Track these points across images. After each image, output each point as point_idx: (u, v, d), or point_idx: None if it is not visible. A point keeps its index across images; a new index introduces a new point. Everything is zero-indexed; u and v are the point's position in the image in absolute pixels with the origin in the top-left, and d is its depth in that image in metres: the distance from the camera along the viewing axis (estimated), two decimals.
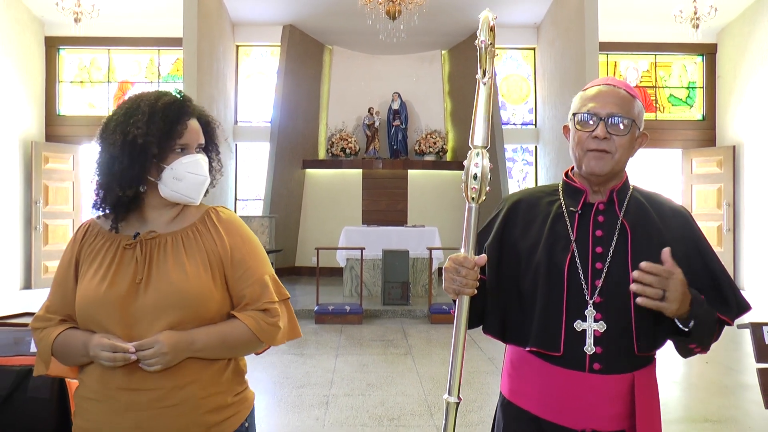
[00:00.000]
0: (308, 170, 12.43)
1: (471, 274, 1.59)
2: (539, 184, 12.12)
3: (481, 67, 1.60)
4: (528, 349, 1.69)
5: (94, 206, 1.74)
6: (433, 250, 9.01)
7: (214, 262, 1.71)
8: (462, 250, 1.61)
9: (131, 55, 11.93)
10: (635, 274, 1.53)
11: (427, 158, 12.23)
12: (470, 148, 1.62)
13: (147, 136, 1.65)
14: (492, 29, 1.59)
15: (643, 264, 1.52)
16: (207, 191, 1.80)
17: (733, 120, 11.32)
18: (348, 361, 6.25)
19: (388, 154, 12.25)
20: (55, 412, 2.59)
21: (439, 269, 9.94)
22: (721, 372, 5.87)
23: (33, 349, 2.83)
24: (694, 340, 1.61)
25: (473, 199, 1.61)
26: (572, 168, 1.80)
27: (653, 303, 1.52)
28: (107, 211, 1.74)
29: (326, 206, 12.34)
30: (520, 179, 12.60)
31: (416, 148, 12.26)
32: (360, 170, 12.32)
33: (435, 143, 12.19)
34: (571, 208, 1.73)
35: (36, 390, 2.58)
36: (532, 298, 1.68)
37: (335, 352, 6.62)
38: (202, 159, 1.75)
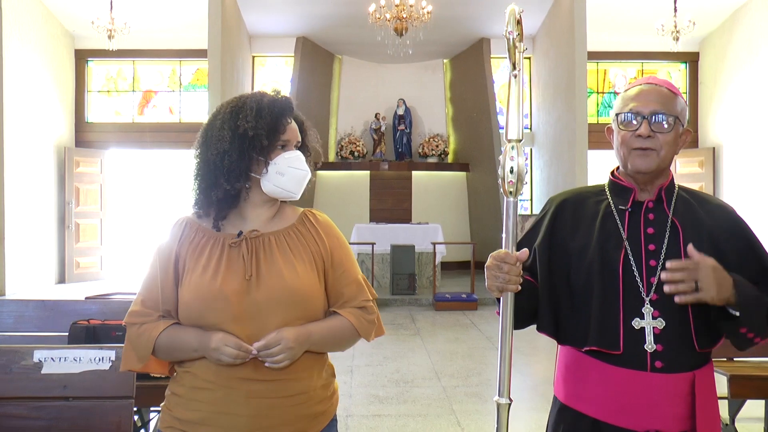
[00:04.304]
0: (319, 172, 13.25)
1: (514, 270, 1.57)
2: (534, 183, 13.04)
3: (510, 60, 1.59)
4: (586, 349, 1.67)
5: (196, 204, 1.78)
6: (436, 245, 9.91)
7: (318, 261, 1.78)
8: (503, 246, 1.60)
9: (154, 66, 12.83)
10: (663, 276, 1.53)
11: (430, 160, 13.14)
12: (505, 143, 1.61)
13: (257, 129, 1.71)
14: (519, 22, 1.59)
15: (668, 264, 1.54)
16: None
17: (714, 123, 12.22)
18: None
19: (394, 157, 13.15)
20: None
21: (442, 262, 10.82)
22: None
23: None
24: (746, 323, 1.58)
25: (511, 193, 1.58)
26: (618, 167, 1.80)
27: (691, 297, 1.53)
28: (207, 209, 1.77)
29: (336, 205, 13.18)
30: None
31: (420, 150, 13.17)
32: (367, 172, 13.23)
33: (437, 146, 13.09)
34: (620, 207, 1.73)
35: None
36: (586, 297, 1.67)
37: None
38: (301, 155, 1.81)
